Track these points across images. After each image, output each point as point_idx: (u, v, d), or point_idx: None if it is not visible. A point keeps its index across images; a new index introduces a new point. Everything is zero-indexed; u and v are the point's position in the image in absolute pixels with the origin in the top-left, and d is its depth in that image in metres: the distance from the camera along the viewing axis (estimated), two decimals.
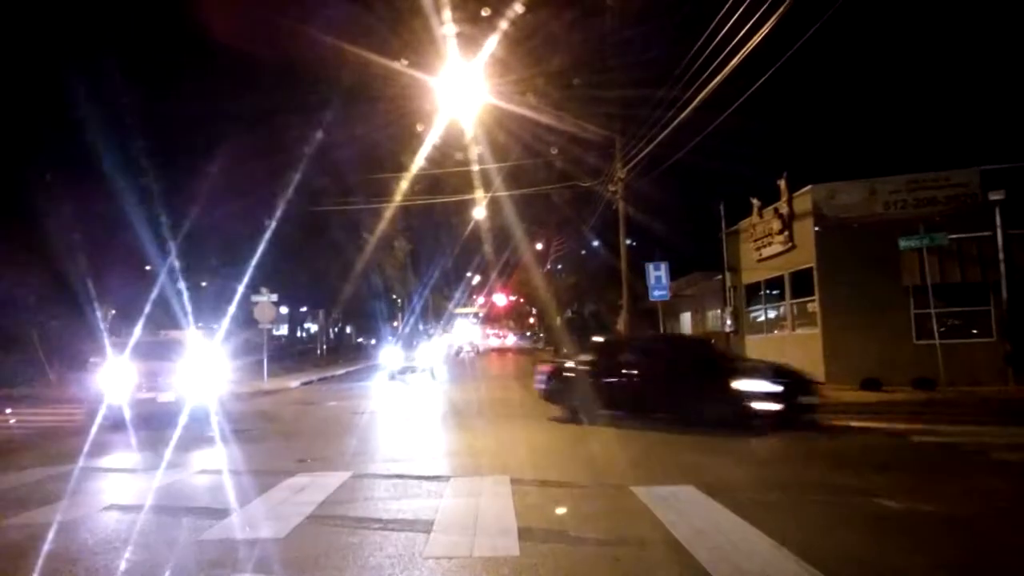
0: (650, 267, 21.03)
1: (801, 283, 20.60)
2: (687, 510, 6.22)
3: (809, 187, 19.77)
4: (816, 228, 19.48)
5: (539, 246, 58.98)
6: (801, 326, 20.88)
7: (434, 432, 12.31)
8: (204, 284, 43.22)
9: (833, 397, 16.36)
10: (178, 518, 6.33)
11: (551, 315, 51.41)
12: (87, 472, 8.74)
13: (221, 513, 6.36)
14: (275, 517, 6.16)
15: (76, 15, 29.25)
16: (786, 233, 20.91)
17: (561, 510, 6.44)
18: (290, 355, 42.77)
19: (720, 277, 31.87)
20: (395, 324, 65.02)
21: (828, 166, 24.04)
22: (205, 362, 15.12)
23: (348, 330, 72.22)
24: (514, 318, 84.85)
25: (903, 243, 17.20)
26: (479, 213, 48.36)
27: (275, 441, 11.61)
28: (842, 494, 6.94)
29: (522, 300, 78.42)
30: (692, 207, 31.66)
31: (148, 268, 32.74)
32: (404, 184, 27.87)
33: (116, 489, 7.97)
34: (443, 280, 70.30)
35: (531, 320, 73.74)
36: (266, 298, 28.05)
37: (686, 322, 43.03)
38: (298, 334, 60.49)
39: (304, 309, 60.43)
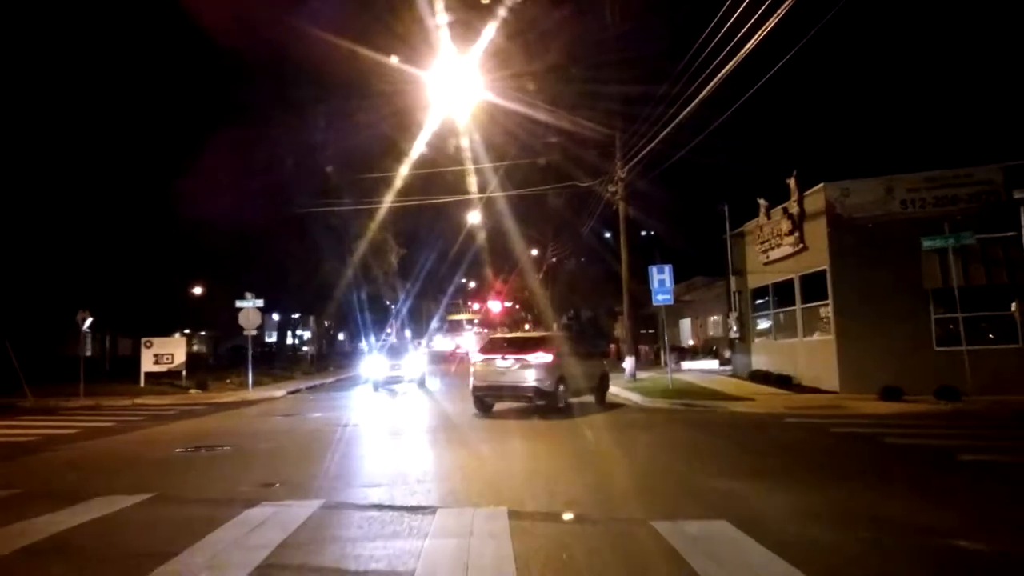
0: (653, 270, 19.93)
1: (813, 287, 19.50)
2: (724, 556, 5.07)
3: (821, 185, 18.70)
4: (829, 228, 18.40)
5: (534, 252, 57.93)
6: (813, 332, 19.78)
7: (421, 450, 11.13)
8: (200, 291, 42.08)
9: (852, 407, 15.27)
10: (95, 568, 5.15)
11: (547, 321, 50.23)
12: None
13: (149, 561, 5.16)
14: (216, 568, 4.99)
15: None
16: (796, 234, 19.82)
17: (570, 555, 5.28)
18: (281, 362, 41.53)
19: (723, 282, 30.84)
20: (389, 330, 63.83)
21: (839, 164, 23.08)
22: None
23: (341, 336, 70.99)
24: (509, 325, 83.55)
25: (927, 243, 16.12)
26: (474, 217, 47.47)
27: (244, 460, 10.42)
28: (911, 533, 5.79)
29: (518, 306, 77.24)
30: (694, 209, 30.63)
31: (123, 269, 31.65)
32: (396, 185, 26.77)
33: (26, 530, 6.62)
34: (437, 286, 69.22)
35: (527, 327, 72.45)
36: (251, 303, 26.81)
37: (686, 328, 41.95)
38: (288, 341, 59.25)
39: (297, 316, 59.31)
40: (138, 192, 29.42)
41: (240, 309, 26.74)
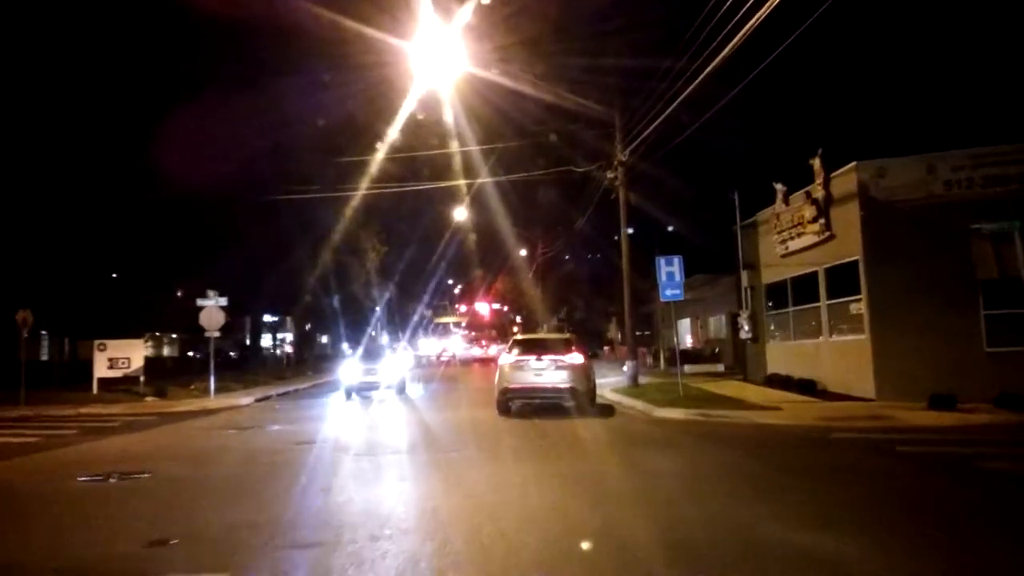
0: (661, 262, 17.64)
1: (841, 280, 17.29)
2: None
3: (853, 165, 16.48)
4: (862, 213, 16.19)
5: (523, 252, 55.76)
6: (841, 332, 17.56)
7: (386, 481, 8.75)
8: (174, 291, 39.46)
9: (902, 418, 13.02)
10: None
11: (537, 323, 47.97)
12: None
13: None
14: None
15: None
16: (822, 221, 17.60)
17: None
18: (254, 366, 38.94)
19: (727, 279, 28.64)
20: (373, 333, 61.27)
21: (867, 143, 20.58)
22: None
23: (325, 339, 68.30)
24: (497, 327, 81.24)
25: (983, 228, 13.95)
26: (460, 214, 45.13)
27: (155, 496, 8.03)
28: None
29: (506, 308, 74.95)
30: (697, 199, 28.33)
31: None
32: (376, 172, 24.38)
33: None
34: (422, 288, 66.92)
35: (515, 329, 70.17)
36: (213, 301, 24.35)
37: (684, 329, 39.69)
38: (267, 344, 56.63)
39: (276, 318, 56.68)
40: (95, 180, 26.84)
41: (201, 308, 24.29)
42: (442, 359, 65.65)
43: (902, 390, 15.06)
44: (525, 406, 15.71)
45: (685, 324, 39.42)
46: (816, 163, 17.70)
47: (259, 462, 10.36)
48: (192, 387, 27.16)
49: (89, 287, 31.91)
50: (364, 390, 20.85)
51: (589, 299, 50.15)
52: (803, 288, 19.22)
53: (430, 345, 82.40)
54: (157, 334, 49.62)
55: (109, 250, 29.45)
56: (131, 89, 22.78)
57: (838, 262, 17.28)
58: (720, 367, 28.12)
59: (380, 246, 41.06)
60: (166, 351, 49.43)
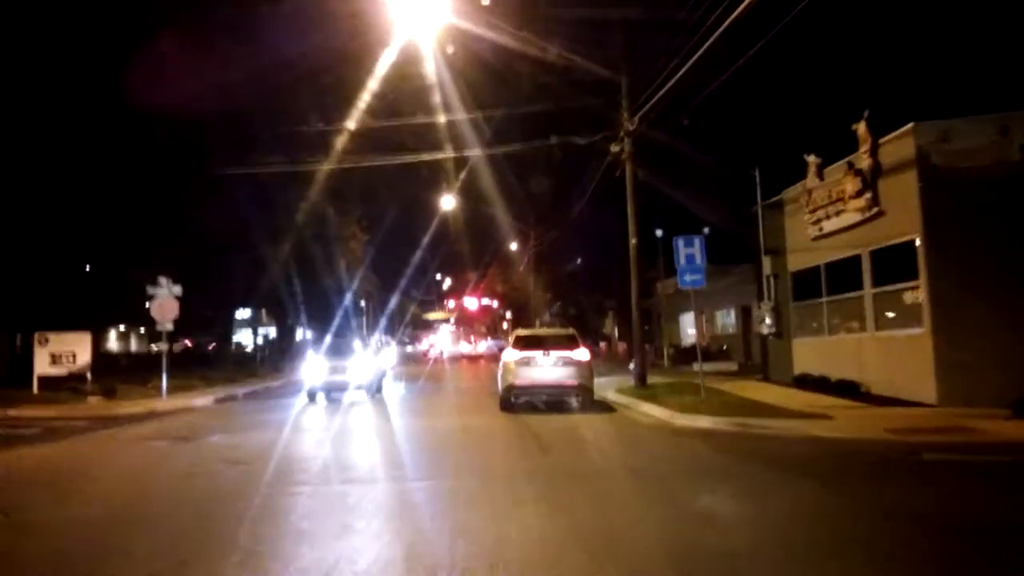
0: (679, 243, 14.99)
1: (891, 264, 14.72)
2: None
3: (910, 127, 13.88)
4: (921, 184, 13.60)
5: (515, 247, 53.17)
6: (890, 325, 14.98)
7: (329, 535, 6.06)
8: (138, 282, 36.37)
9: (992, 431, 10.43)
10: None
11: (530, 318, 45.34)
12: None
13: None
14: None
15: None
16: (868, 195, 15.01)
17: None
18: (225, 363, 35.99)
19: (742, 267, 26.10)
20: (358, 327, 58.37)
21: (915, 104, 17.43)
22: None
23: (310, 335, 65.34)
24: (487, 323, 78.59)
25: None
26: (448, 203, 42.41)
27: None
28: None
29: (496, 304, 72.25)
30: (704, 181, 25.58)
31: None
32: (351, 143, 21.58)
33: None
34: (409, 282, 64.30)
35: (505, 325, 67.56)
36: (166, 290, 21.55)
37: (687, 324, 37.11)
38: (241, 338, 53.72)
39: (251, 312, 53.75)
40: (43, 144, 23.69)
41: (151, 297, 21.48)
42: (429, 356, 63.12)
43: (969, 394, 12.53)
44: (522, 410, 14.09)
45: (689, 319, 36.84)
46: (861, 127, 15.10)
47: (156, 496, 7.67)
48: (150, 385, 24.28)
49: (43, 273, 28.82)
50: (331, 391, 18.03)
51: (584, 293, 47.53)
52: (841, 275, 16.63)
53: (417, 341, 79.79)
54: (122, 328, 46.68)
55: (68, 233, 26.46)
56: (73, 32, 19.75)
57: (888, 243, 14.70)
58: (732, 365, 25.53)
59: (361, 234, 38.21)
60: (134, 345, 46.50)
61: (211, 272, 30.19)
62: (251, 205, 25.99)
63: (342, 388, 17.70)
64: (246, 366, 36.63)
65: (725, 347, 29.74)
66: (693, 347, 32.52)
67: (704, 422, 12.46)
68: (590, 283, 46.59)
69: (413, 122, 19.21)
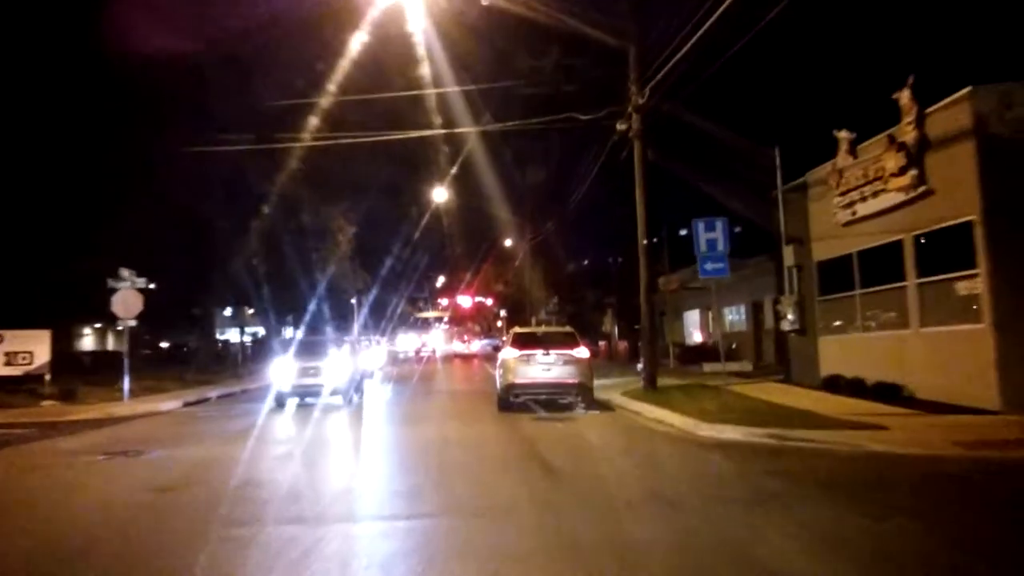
0: (700, 226, 13.23)
1: (941, 250, 12.94)
2: None
3: (967, 91, 12.05)
4: (979, 157, 11.80)
5: (510, 243, 51.39)
6: (939, 320, 13.16)
7: None
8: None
9: None
10: None
11: (526, 317, 43.49)
12: None
13: None
14: None
15: None
16: (913, 172, 13.19)
17: None
18: (203, 363, 33.97)
19: (756, 260, 24.29)
20: (353, 327, 56.28)
21: (960, 70, 15.43)
22: None
23: (300, 334, 63.32)
24: (481, 322, 76.68)
25: None
26: (440, 195, 40.51)
27: None
28: None
29: (490, 302, 70.34)
30: (712, 166, 23.67)
31: None
32: (334, 119, 19.66)
33: None
34: (400, 278, 62.41)
35: (499, 324, 65.67)
36: (128, 283, 19.67)
37: (692, 322, 35.30)
38: (227, 337, 51.76)
39: (231, 310, 51.74)
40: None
41: (113, 291, 19.58)
42: (421, 355, 61.42)
43: None
44: (520, 416, 12.87)
45: (693, 316, 35.05)
46: (904, 96, 13.28)
47: (30, 544, 5.76)
48: (116, 387, 22.34)
49: (15, 267, 26.68)
50: (301, 395, 16.04)
51: (582, 289, 45.74)
52: (877, 263, 14.82)
53: (408, 340, 78.00)
54: (98, 325, 44.66)
55: (16, 223, 24.50)
56: None
57: (937, 226, 12.88)
58: (745, 366, 23.70)
59: (348, 226, 36.24)
60: (110, 344, 44.47)
61: (180, 263, 28.26)
62: (220, 190, 24.03)
63: (314, 393, 15.72)
64: (227, 366, 34.71)
65: (734, 346, 27.91)
66: (699, 346, 30.79)
67: (733, 433, 10.64)
68: (589, 279, 44.86)
69: (398, 95, 17.32)
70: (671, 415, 12.68)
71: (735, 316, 30.88)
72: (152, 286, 21.39)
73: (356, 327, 41.75)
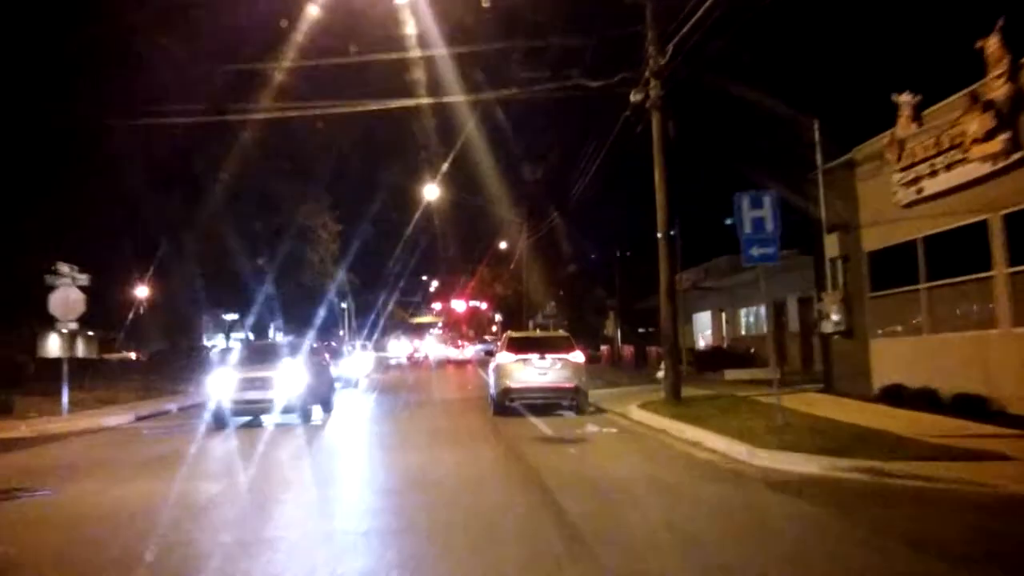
0: (743, 202, 10.61)
1: None
2: None
3: None
4: None
5: (504, 245, 49.01)
6: None
7: None
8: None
9: None
10: None
11: (522, 321, 41.01)
12: None
13: None
14: None
15: None
16: (1005, 136, 10.68)
17: None
18: (174, 371, 31.27)
19: (783, 254, 21.76)
20: (341, 332, 53.70)
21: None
22: None
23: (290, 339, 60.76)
24: (475, 326, 74.09)
25: None
26: (432, 192, 38.11)
27: None
28: None
29: (485, 306, 67.79)
30: (730, 149, 21.20)
31: None
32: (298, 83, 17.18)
33: None
34: (392, 283, 60.09)
35: (494, 329, 63.10)
36: (69, 280, 17.08)
37: (703, 325, 32.81)
38: (209, 343, 49.02)
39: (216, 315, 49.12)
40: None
41: (52, 289, 16.98)
42: (414, 360, 59.21)
43: None
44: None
45: (704, 319, 32.55)
46: (992, 43, 10.79)
47: None
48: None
49: None
50: (246, 412, 13.06)
51: (581, 292, 43.29)
52: (952, 251, 12.33)
53: (401, 345, 75.62)
54: (66, 330, 41.88)
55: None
56: None
57: None
58: (771, 372, 21.13)
59: (334, 224, 33.70)
60: (81, 350, 41.64)
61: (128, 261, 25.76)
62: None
63: (262, 410, 12.84)
64: (202, 374, 32.01)
65: (753, 350, 25.44)
66: (713, 351, 28.29)
67: (804, 464, 8.10)
68: (590, 279, 42.48)
69: (384, 57, 14.83)
70: (710, 436, 10.16)
71: (751, 318, 28.42)
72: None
73: (344, 331, 39.22)
